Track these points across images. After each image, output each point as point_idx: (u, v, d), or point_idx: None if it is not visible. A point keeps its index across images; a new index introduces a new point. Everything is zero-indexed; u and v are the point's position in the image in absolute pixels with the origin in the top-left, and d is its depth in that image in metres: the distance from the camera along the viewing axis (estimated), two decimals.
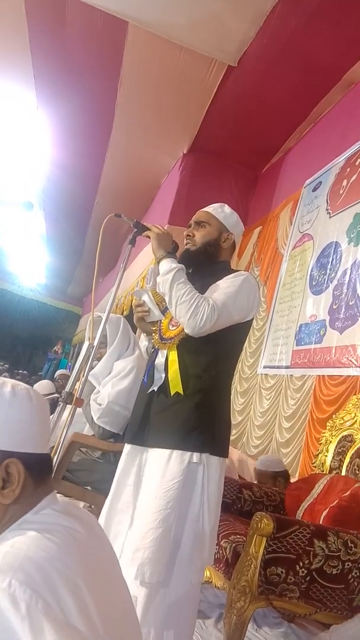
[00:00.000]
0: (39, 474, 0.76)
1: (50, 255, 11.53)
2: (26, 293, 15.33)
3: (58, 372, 5.95)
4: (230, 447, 1.73)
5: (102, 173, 6.59)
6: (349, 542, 1.76)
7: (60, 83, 4.95)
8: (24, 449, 0.74)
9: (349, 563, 1.76)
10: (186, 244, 1.78)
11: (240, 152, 5.49)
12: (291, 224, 4.60)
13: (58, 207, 8.26)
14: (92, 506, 2.52)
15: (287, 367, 3.93)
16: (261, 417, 4.15)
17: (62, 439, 1.49)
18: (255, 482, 2.82)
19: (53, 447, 1.54)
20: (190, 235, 1.78)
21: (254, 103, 4.61)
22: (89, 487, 2.26)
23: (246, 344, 4.73)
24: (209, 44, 4.01)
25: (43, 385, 3.89)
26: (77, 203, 7.73)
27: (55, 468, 1.51)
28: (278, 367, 4.10)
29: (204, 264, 1.75)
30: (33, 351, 19.19)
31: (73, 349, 14.91)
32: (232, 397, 4.73)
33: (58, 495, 0.83)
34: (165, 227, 1.88)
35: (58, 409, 1.54)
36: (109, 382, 2.38)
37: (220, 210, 1.80)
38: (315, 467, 2.53)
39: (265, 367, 4.37)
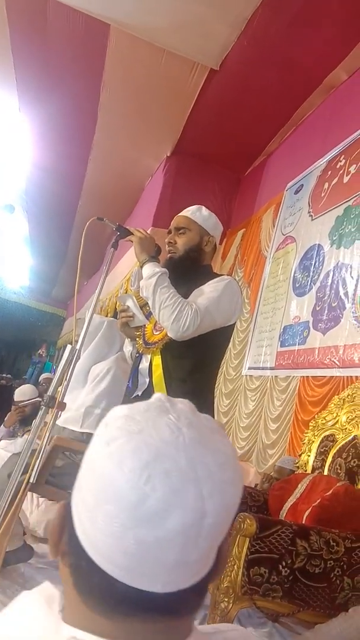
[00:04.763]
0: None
1: (34, 257, 11.45)
2: (10, 296, 15.18)
3: (42, 376, 5.91)
4: None
5: (85, 175, 6.58)
6: (330, 540, 1.78)
7: (43, 85, 4.94)
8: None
9: (331, 562, 1.78)
10: (169, 252, 1.78)
11: (223, 154, 5.53)
12: (274, 227, 4.65)
13: (41, 210, 8.22)
14: None
15: (271, 369, 3.96)
16: (246, 419, 4.18)
17: (44, 443, 1.48)
18: (275, 476, 2.83)
19: (36, 450, 1.53)
20: (172, 242, 1.77)
21: (236, 106, 4.65)
22: (71, 491, 2.25)
23: (230, 345, 4.77)
24: (191, 47, 4.04)
25: (24, 391, 3.84)
26: (61, 205, 7.70)
27: (37, 472, 1.50)
28: (262, 369, 4.13)
29: (189, 270, 1.75)
30: (17, 355, 19.01)
31: (58, 352, 14.80)
32: (217, 398, 4.77)
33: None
34: (149, 230, 1.89)
35: (40, 412, 1.53)
36: (86, 388, 2.37)
37: (199, 214, 1.79)
38: (298, 466, 2.55)
39: (249, 368, 4.40)
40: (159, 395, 0.53)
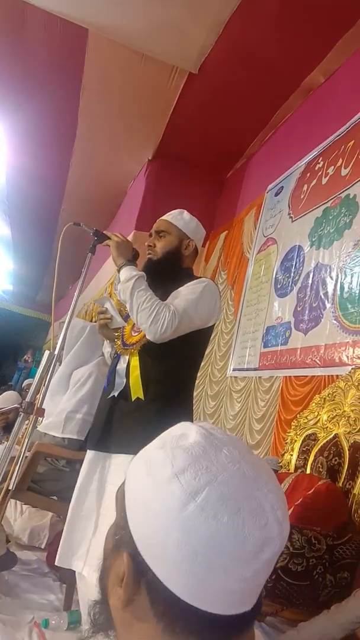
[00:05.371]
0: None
1: (17, 262, 11.37)
2: None
3: (26, 382, 5.86)
4: None
5: (67, 179, 6.56)
6: (312, 539, 1.80)
7: (22, 91, 4.92)
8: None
9: (313, 560, 1.79)
10: (148, 255, 1.79)
11: (205, 157, 5.55)
12: (255, 229, 4.68)
13: (23, 214, 8.17)
14: (60, 516, 2.49)
15: (255, 369, 3.98)
16: (232, 420, 4.19)
17: (23, 450, 1.48)
18: None
19: (14, 457, 1.53)
20: (151, 246, 1.79)
21: (216, 109, 4.67)
22: (55, 497, 2.24)
23: (215, 347, 4.79)
24: (169, 50, 4.06)
25: (7, 397, 3.81)
26: (43, 210, 7.66)
27: (17, 479, 1.49)
28: (247, 370, 4.15)
29: (167, 273, 1.76)
30: (2, 361, 18.81)
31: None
32: (203, 400, 4.78)
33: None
34: (132, 233, 1.90)
35: (18, 419, 1.53)
36: (67, 394, 2.36)
37: (180, 218, 1.81)
38: (281, 466, 2.57)
39: (234, 369, 4.41)
40: (193, 427, 0.53)
